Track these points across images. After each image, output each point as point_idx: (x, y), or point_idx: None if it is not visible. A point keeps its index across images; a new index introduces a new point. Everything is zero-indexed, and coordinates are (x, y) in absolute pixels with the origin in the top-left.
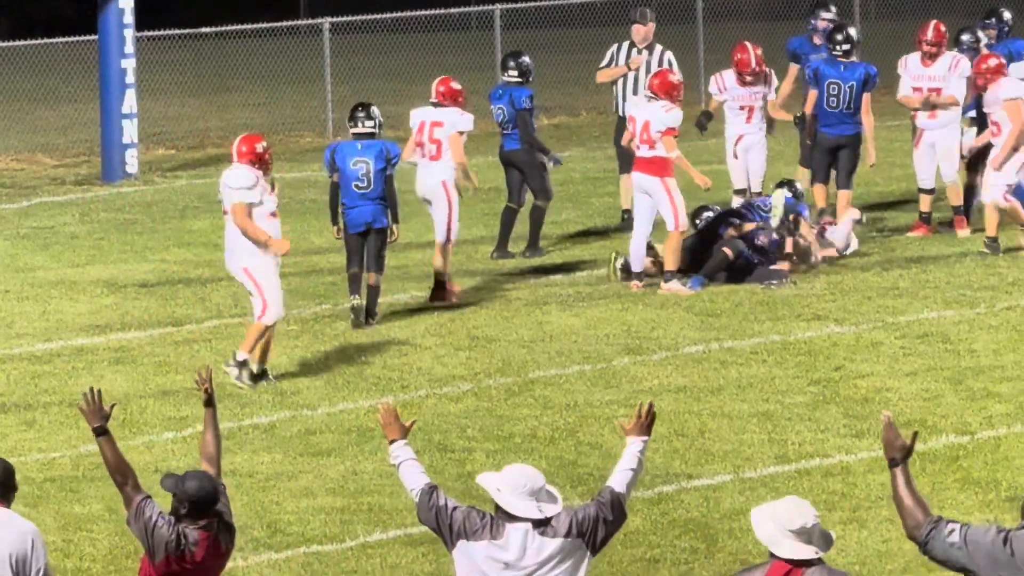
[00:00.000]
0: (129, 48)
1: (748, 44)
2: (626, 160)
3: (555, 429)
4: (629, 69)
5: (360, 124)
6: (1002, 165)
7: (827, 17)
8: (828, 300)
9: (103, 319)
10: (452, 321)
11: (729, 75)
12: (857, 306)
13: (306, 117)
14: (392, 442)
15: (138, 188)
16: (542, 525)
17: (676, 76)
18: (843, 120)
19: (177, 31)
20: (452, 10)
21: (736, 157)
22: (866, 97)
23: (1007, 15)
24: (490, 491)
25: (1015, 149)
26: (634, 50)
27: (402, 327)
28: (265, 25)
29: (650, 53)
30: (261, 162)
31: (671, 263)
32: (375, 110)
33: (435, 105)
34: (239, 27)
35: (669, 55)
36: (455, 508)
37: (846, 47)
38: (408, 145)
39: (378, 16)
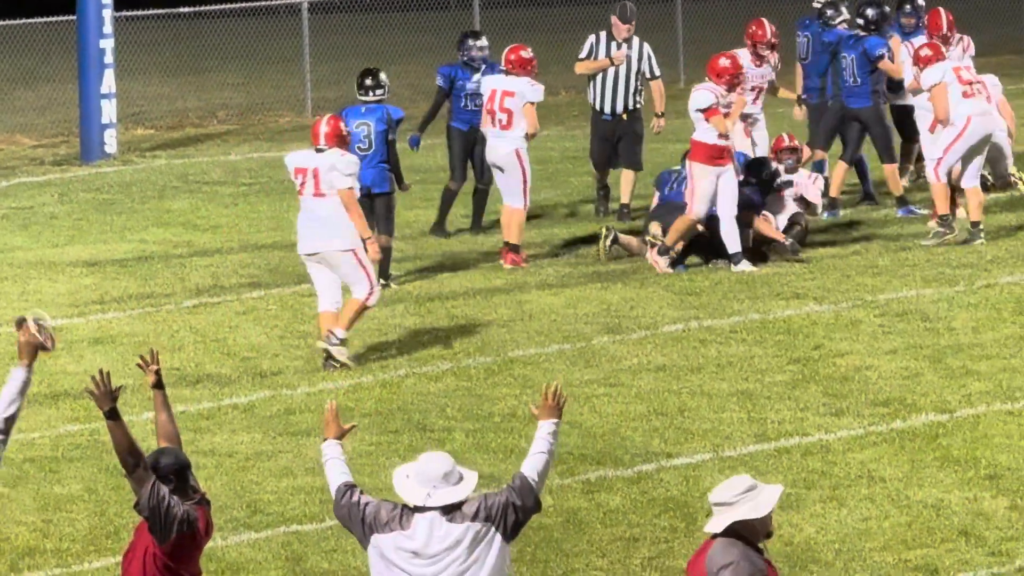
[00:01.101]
0: (108, 28)
1: (764, 20)
2: (594, 160)
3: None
4: (612, 63)
5: (370, 93)
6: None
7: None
8: (807, 279)
9: (82, 299)
10: (431, 300)
11: (744, 55)
12: (836, 284)
13: (285, 97)
14: (325, 440)
15: (117, 168)
16: (451, 511)
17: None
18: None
19: (155, 11)
20: None
21: (748, 136)
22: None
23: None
24: (396, 479)
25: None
26: (614, 43)
27: (381, 307)
28: (244, 4)
29: (629, 47)
30: (346, 145)
31: (671, 239)
32: (383, 76)
33: (505, 73)
34: (217, 7)
35: (648, 49)
36: (367, 503)
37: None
38: (483, 115)
39: None
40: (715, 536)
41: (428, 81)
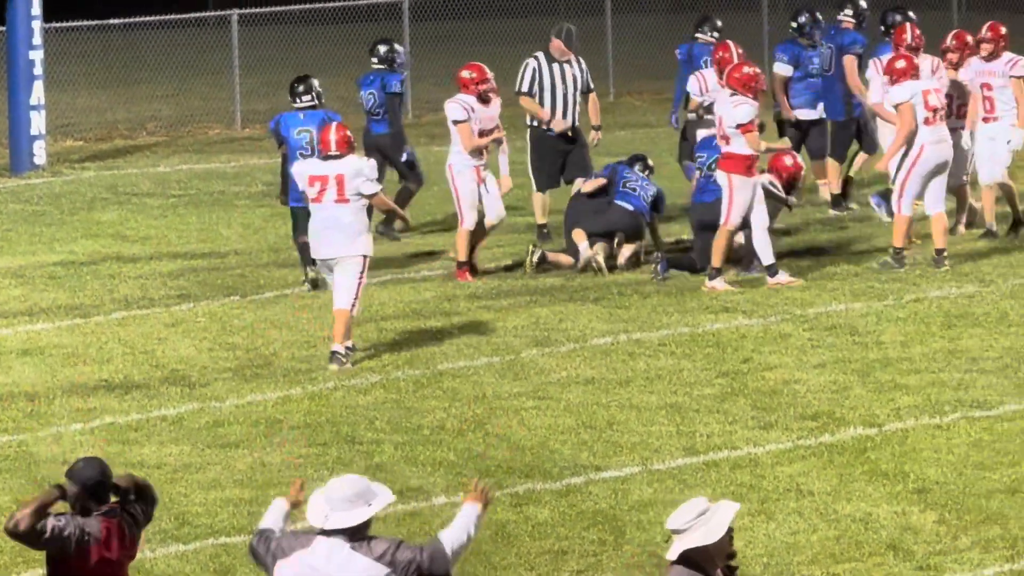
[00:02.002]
0: (37, 39)
1: (730, 42)
2: (544, 178)
3: (463, 421)
4: (551, 130)
5: (299, 99)
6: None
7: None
8: (736, 292)
9: (11, 310)
10: (361, 313)
11: (711, 75)
12: (765, 298)
13: (214, 109)
14: (278, 497)
15: (46, 180)
16: (357, 538)
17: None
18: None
19: (85, 22)
20: (361, 1)
21: None
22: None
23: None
24: (310, 500)
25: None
26: (555, 66)
27: (310, 320)
28: (173, 17)
29: (571, 66)
30: (355, 150)
31: (717, 259)
32: (314, 82)
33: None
34: (148, 19)
35: (583, 63)
36: (279, 539)
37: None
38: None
39: (286, 8)
40: (672, 563)
41: (357, 93)
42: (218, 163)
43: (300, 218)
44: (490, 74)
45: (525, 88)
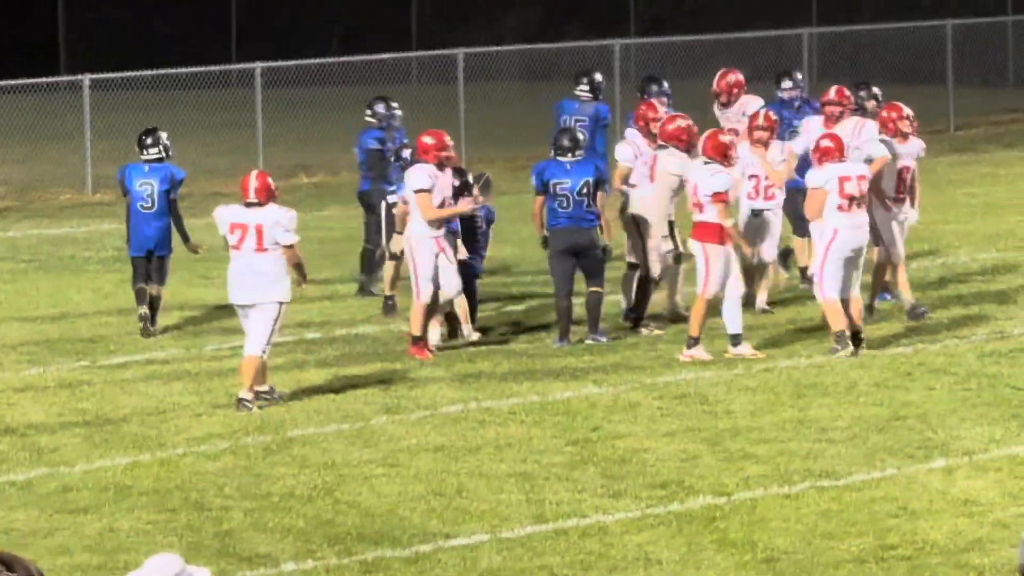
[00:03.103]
0: None
1: (654, 100)
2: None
3: (313, 488)
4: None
5: (146, 152)
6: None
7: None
8: (587, 360)
9: None
10: (210, 379)
11: (637, 136)
12: (615, 367)
13: (65, 173)
14: None
15: None
16: None
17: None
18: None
19: None
20: (213, 67)
21: None
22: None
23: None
24: None
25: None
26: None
27: (160, 384)
28: (25, 81)
29: None
30: (275, 199)
31: (695, 329)
32: (162, 135)
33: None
34: None
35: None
36: None
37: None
38: None
39: (138, 73)
40: None
41: (210, 159)
42: (69, 228)
43: (137, 267)
44: (449, 141)
45: None
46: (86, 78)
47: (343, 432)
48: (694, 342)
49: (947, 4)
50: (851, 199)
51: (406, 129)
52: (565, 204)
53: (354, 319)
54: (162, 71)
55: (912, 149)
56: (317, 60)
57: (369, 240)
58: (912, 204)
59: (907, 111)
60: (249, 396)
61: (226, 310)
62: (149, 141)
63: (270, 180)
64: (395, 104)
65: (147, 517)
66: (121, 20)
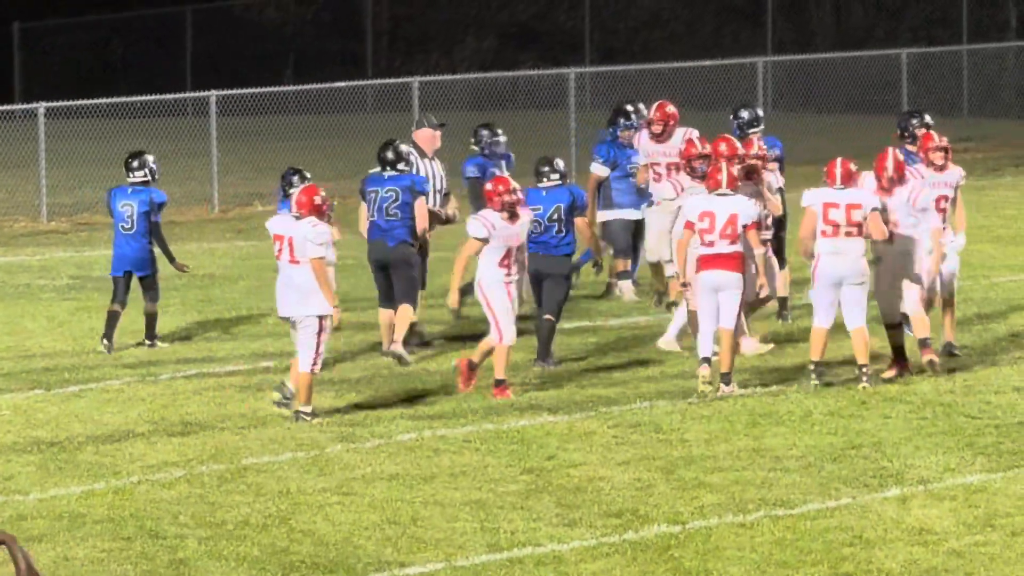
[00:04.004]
0: None
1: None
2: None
3: (267, 516)
4: (441, 220)
5: (132, 174)
6: None
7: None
8: (542, 389)
9: None
10: (165, 407)
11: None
12: (571, 395)
13: (20, 202)
14: None
15: None
16: None
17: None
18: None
19: None
20: (167, 96)
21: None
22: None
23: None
24: None
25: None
26: (426, 162)
27: (115, 413)
28: None
29: (434, 163)
30: (321, 214)
31: (727, 365)
32: (148, 158)
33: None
34: None
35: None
36: None
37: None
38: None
39: (93, 101)
40: None
41: (165, 187)
42: (24, 256)
43: (116, 286)
44: (516, 186)
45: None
46: (41, 106)
47: (298, 460)
48: (728, 378)
49: (901, 33)
50: (835, 226)
51: (512, 155)
52: (537, 230)
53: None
54: (117, 99)
55: (949, 178)
56: (272, 88)
57: None
58: (955, 231)
59: (939, 141)
60: (307, 409)
61: (181, 338)
62: (135, 164)
63: (317, 195)
64: (499, 130)
65: (102, 545)
66: (76, 48)
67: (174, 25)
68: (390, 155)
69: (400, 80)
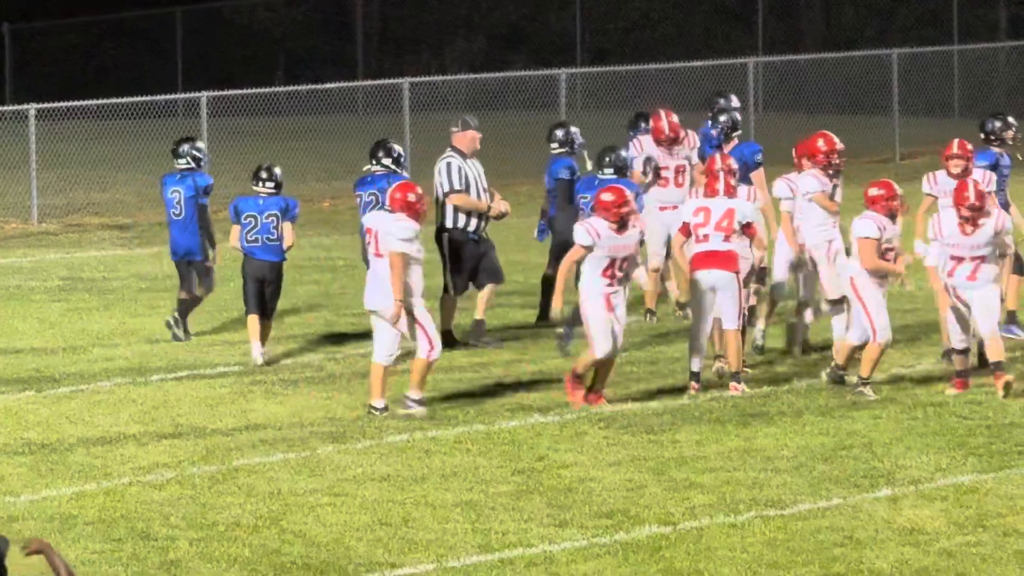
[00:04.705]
0: None
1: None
2: (462, 282)
3: (259, 517)
4: (474, 234)
5: (177, 161)
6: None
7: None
8: (533, 390)
9: None
10: (156, 409)
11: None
12: (561, 396)
13: (11, 203)
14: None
15: None
16: None
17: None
18: None
19: None
20: (158, 97)
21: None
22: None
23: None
24: None
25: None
26: (469, 162)
27: (106, 414)
28: None
29: (476, 163)
30: (414, 211)
31: (736, 364)
32: (198, 143)
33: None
34: None
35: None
36: None
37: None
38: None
39: (84, 102)
40: None
41: (155, 189)
42: (14, 257)
43: (179, 271)
44: (631, 197)
45: (457, 186)
46: (32, 107)
47: (289, 461)
48: (735, 375)
49: (892, 34)
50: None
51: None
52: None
53: (300, 348)
54: (108, 100)
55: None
56: (263, 89)
57: (550, 265)
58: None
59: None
60: (380, 404)
61: (172, 340)
62: (180, 150)
63: (411, 192)
64: (575, 128)
65: (93, 547)
66: (67, 50)
67: (164, 26)
68: (380, 154)
69: (390, 81)
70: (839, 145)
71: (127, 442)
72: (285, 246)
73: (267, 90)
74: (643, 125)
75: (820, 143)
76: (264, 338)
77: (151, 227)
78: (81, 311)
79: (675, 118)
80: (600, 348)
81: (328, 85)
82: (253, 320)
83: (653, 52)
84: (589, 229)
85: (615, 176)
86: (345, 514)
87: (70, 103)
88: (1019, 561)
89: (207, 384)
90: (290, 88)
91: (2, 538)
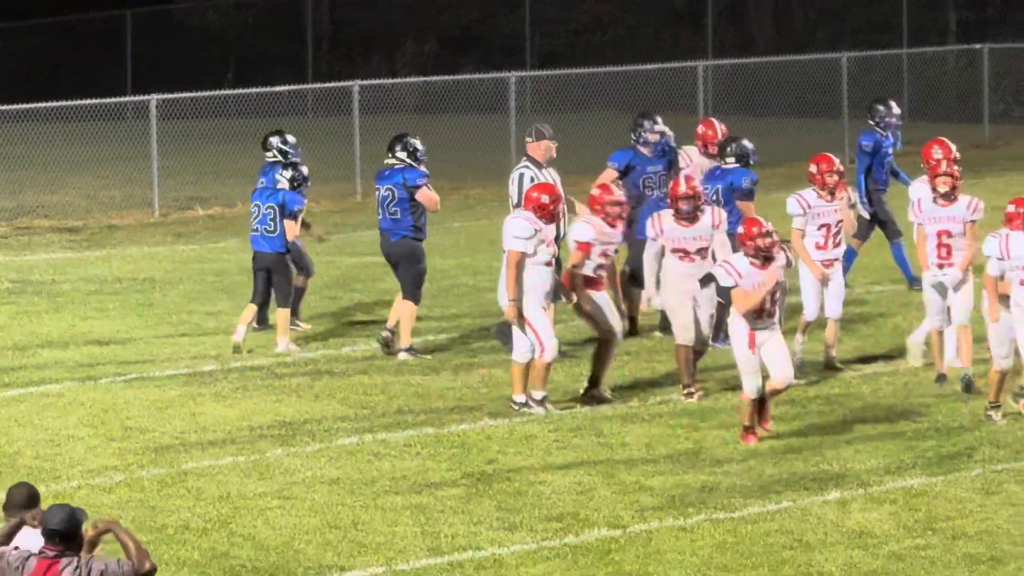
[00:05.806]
0: None
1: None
2: None
3: (208, 520)
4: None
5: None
6: None
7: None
8: (483, 393)
9: None
10: (105, 412)
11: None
12: (510, 399)
13: None
14: None
15: None
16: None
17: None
18: None
19: None
20: (108, 100)
21: None
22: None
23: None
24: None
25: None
26: (544, 172)
27: (55, 417)
28: None
29: (551, 171)
30: (545, 213)
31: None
32: (289, 137)
33: None
34: None
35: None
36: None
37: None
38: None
39: (33, 105)
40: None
41: (106, 191)
42: None
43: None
44: (771, 228)
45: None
46: None
47: (238, 464)
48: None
49: (842, 37)
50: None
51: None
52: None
53: (252, 349)
54: (57, 103)
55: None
56: (212, 92)
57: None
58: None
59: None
60: (521, 399)
61: (121, 341)
62: (270, 142)
63: (545, 194)
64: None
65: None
66: (16, 52)
67: (114, 29)
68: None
69: (341, 84)
70: (838, 165)
71: (76, 445)
72: (289, 238)
73: (217, 93)
74: (645, 124)
75: (813, 168)
76: (260, 322)
77: (101, 230)
78: (30, 314)
79: (723, 127)
80: (749, 387)
81: (278, 88)
82: (250, 308)
83: (603, 55)
84: (729, 271)
85: (736, 165)
86: (294, 517)
87: (20, 106)
88: (967, 564)
89: (156, 387)
90: (240, 91)
91: (80, 509)
